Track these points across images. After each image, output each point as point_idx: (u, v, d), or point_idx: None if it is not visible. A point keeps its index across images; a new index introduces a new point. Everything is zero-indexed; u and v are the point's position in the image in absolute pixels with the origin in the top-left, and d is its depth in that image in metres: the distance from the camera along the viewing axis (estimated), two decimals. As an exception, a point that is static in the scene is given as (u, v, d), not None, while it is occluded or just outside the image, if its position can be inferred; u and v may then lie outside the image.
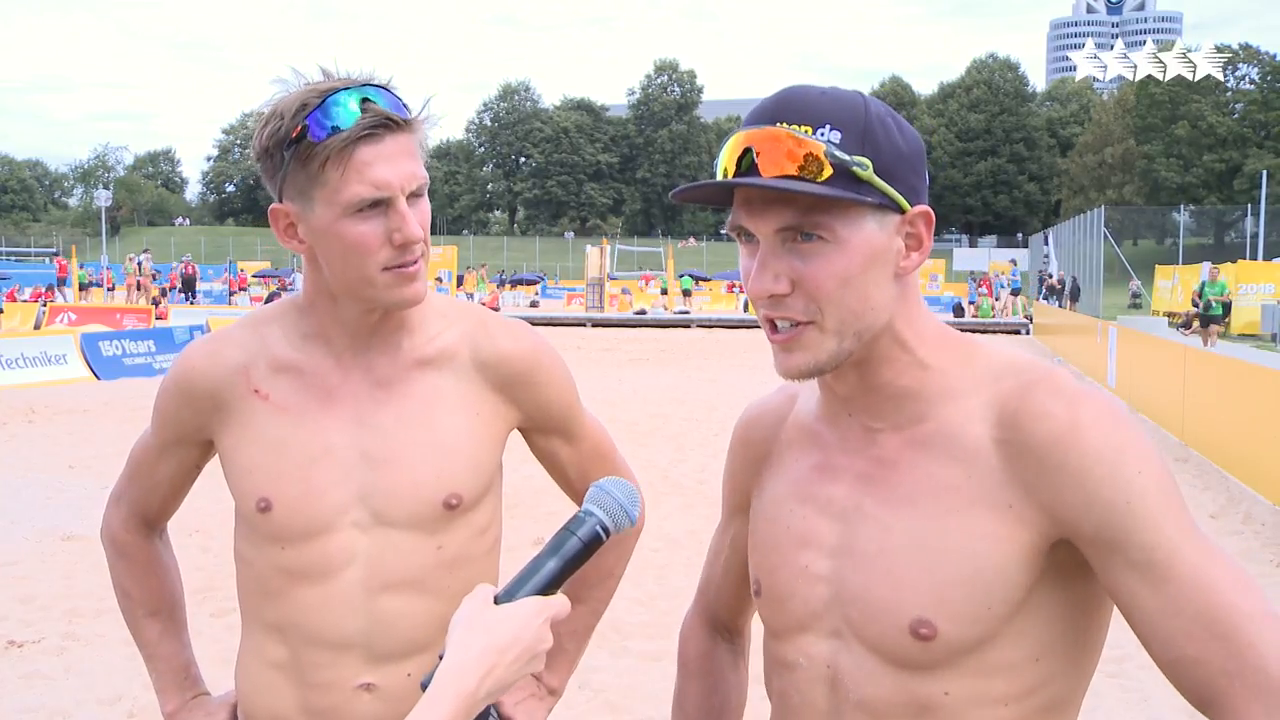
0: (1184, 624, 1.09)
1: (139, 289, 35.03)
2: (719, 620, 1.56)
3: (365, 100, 1.44)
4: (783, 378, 1.22)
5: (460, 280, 39.02)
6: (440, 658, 1.16)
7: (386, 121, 1.45)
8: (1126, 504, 1.11)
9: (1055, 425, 1.13)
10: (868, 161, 1.14)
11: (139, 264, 36.45)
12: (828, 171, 1.13)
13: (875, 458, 1.24)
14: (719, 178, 1.18)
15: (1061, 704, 1.21)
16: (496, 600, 1.19)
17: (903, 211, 1.18)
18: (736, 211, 1.19)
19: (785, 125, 1.14)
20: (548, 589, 1.20)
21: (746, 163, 1.15)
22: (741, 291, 42.81)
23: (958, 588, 1.16)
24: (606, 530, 1.24)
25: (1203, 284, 24.44)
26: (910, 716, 1.20)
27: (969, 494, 1.17)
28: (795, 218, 1.15)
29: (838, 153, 1.13)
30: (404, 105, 1.50)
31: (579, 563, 1.23)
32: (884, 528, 1.21)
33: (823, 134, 1.13)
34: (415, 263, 1.51)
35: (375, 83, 1.48)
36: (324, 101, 1.43)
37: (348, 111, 1.43)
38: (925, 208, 1.20)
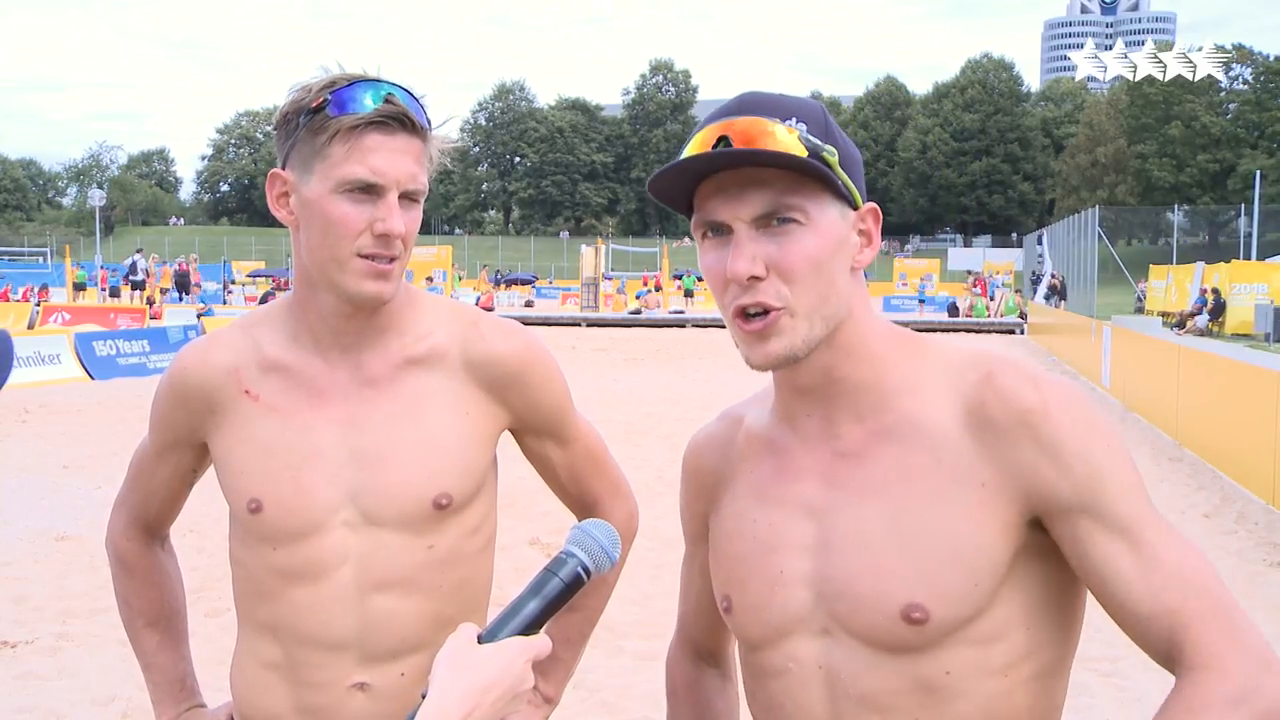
0: (1163, 580, 1.15)
1: (140, 289, 34.68)
2: (702, 649, 1.56)
3: (390, 96, 1.49)
4: (757, 368, 1.24)
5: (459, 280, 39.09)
6: (423, 696, 1.17)
7: (403, 118, 1.49)
8: (1098, 474, 1.17)
9: (1025, 404, 1.18)
10: (835, 149, 1.20)
11: (163, 263, 36.07)
12: (803, 152, 1.18)
13: (839, 452, 1.26)
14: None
15: (1052, 671, 1.24)
16: (480, 639, 1.21)
17: (856, 207, 1.24)
18: (707, 205, 1.22)
19: (754, 117, 1.20)
20: (529, 629, 1.22)
21: (723, 147, 1.19)
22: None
23: (944, 568, 1.18)
24: (588, 571, 1.27)
25: None
26: (916, 701, 1.20)
27: (941, 477, 1.20)
28: (773, 199, 1.19)
29: (810, 137, 1.19)
30: (426, 118, 1.55)
31: (560, 603, 1.25)
32: (860, 520, 1.23)
33: (791, 124, 1.20)
34: (390, 260, 1.52)
35: (408, 89, 1.53)
36: (352, 85, 1.49)
37: (371, 99, 1.48)
38: (874, 205, 1.27)
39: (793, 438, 1.31)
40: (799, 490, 1.28)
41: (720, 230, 1.22)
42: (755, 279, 1.19)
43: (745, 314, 1.21)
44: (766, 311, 1.20)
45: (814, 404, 1.28)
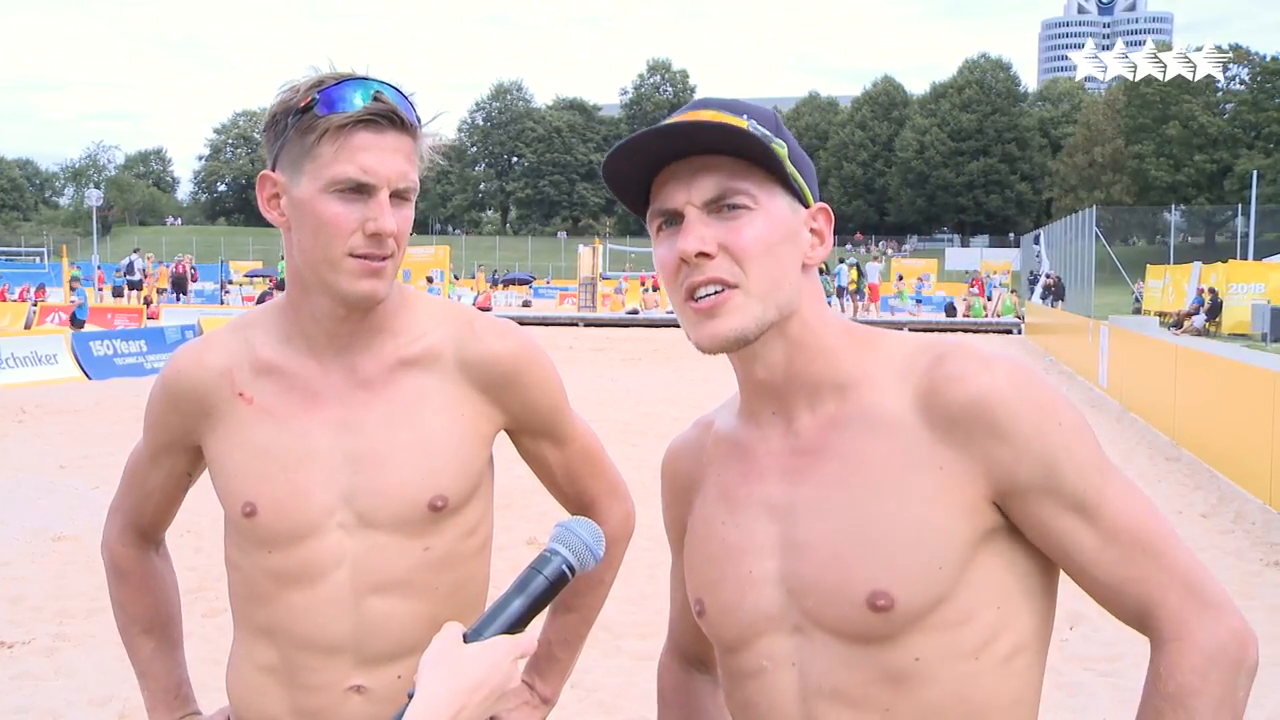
0: (1122, 550, 1.20)
1: (138, 289, 34.58)
2: (692, 654, 1.57)
3: (378, 93, 1.48)
4: (706, 350, 1.25)
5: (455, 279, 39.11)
6: (410, 696, 1.17)
7: (392, 115, 1.48)
8: (1054, 454, 1.19)
9: (975, 386, 1.19)
10: (785, 144, 1.24)
11: (160, 263, 36.06)
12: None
13: (799, 449, 1.27)
14: (652, 158, 1.25)
15: (1025, 651, 1.24)
16: (465, 639, 1.21)
17: (807, 206, 1.27)
18: (660, 194, 1.25)
19: (708, 111, 1.25)
20: (515, 627, 1.23)
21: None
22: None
23: (905, 553, 1.19)
24: (572, 569, 1.27)
25: None
26: (886, 691, 1.21)
27: (898, 464, 1.21)
28: (722, 182, 1.22)
29: (760, 128, 1.22)
30: (416, 115, 1.53)
31: (546, 601, 1.26)
32: (822, 514, 1.23)
33: (743, 119, 1.23)
34: (383, 259, 1.51)
35: (396, 86, 1.52)
36: (340, 83, 1.48)
37: (359, 97, 1.47)
38: (825, 204, 1.31)
39: (756, 437, 1.32)
40: (763, 490, 1.29)
41: (674, 220, 1.24)
42: (705, 255, 1.21)
43: (695, 295, 1.22)
44: (719, 291, 1.21)
45: (774, 401, 1.30)
